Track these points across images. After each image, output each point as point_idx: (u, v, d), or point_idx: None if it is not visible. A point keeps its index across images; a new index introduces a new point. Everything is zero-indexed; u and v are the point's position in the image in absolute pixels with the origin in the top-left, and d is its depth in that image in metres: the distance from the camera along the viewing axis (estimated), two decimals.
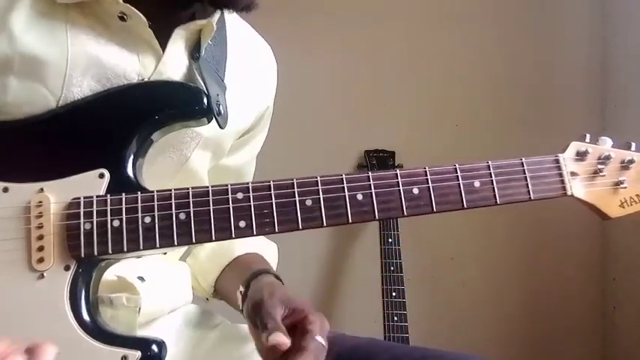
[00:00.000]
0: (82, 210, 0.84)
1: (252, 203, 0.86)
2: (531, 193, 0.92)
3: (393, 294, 2.09)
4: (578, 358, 2.54)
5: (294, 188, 0.87)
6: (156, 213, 0.84)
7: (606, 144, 0.98)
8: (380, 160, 2.38)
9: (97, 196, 0.85)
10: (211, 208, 0.85)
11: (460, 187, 0.90)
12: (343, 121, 2.47)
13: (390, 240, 2.17)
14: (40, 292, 0.82)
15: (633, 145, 0.98)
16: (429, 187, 0.89)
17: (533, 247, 2.52)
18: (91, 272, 0.85)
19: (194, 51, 1.00)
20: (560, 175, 0.95)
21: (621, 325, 2.47)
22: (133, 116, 0.90)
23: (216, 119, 0.93)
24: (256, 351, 1.08)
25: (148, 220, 0.84)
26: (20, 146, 0.89)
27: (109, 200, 0.85)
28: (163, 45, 0.97)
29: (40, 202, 0.84)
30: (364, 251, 2.40)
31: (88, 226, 0.84)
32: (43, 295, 0.82)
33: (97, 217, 0.84)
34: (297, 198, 0.86)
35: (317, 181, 0.87)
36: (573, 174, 0.95)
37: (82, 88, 0.91)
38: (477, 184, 0.91)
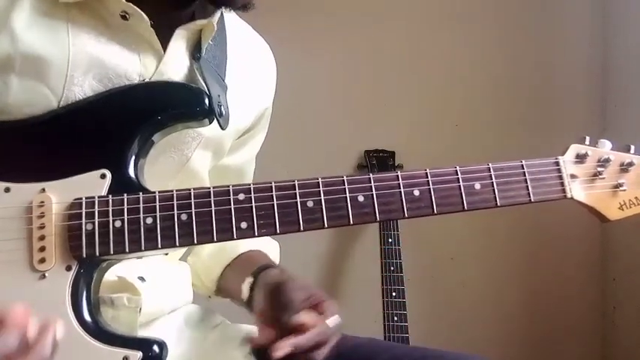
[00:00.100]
0: (83, 210, 0.84)
1: (253, 204, 0.86)
2: (531, 195, 0.93)
3: (393, 294, 2.09)
4: (578, 358, 2.54)
5: (295, 189, 0.87)
6: (158, 214, 0.84)
7: (605, 147, 0.98)
8: (380, 160, 2.37)
9: (99, 197, 0.85)
10: (213, 209, 0.85)
11: (461, 189, 0.90)
12: (343, 121, 2.46)
13: (390, 240, 2.17)
14: (42, 293, 0.82)
15: (632, 147, 0.99)
16: (429, 188, 0.90)
17: (533, 247, 2.52)
18: (92, 273, 0.86)
19: (195, 51, 1.00)
20: (560, 177, 0.95)
21: (621, 325, 2.47)
22: (135, 117, 0.90)
23: (217, 120, 0.93)
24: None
25: (149, 220, 0.84)
26: (22, 146, 0.89)
27: (110, 201, 0.85)
28: (164, 45, 0.97)
29: (42, 202, 0.84)
30: (364, 251, 2.40)
31: (89, 226, 0.84)
32: (45, 296, 0.82)
33: (98, 218, 0.84)
34: (298, 199, 0.87)
35: (318, 182, 0.88)
36: (573, 176, 0.96)
37: (84, 87, 0.92)
38: (477, 186, 0.91)
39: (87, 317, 0.84)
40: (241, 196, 0.86)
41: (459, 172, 0.91)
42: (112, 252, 0.84)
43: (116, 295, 0.97)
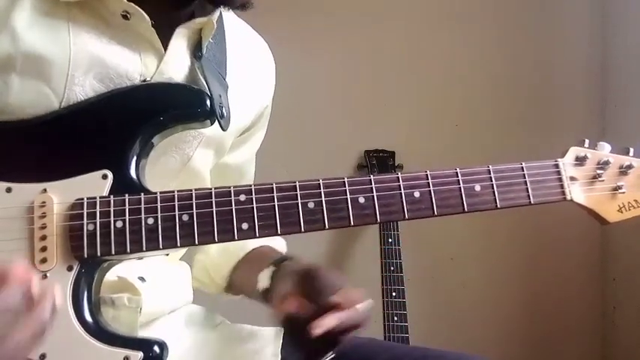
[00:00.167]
0: (85, 211, 0.84)
1: (254, 205, 0.86)
2: (531, 197, 0.93)
3: (393, 294, 2.09)
4: (578, 358, 2.54)
5: (296, 190, 0.87)
6: (159, 214, 0.85)
7: (605, 149, 0.99)
8: (380, 160, 2.37)
9: (100, 197, 0.85)
10: (214, 209, 0.85)
11: (461, 191, 0.91)
12: (343, 121, 2.46)
13: (390, 240, 2.17)
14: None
15: (632, 150, 0.99)
16: (430, 190, 0.90)
17: (533, 248, 2.52)
18: (93, 273, 0.86)
19: (196, 50, 1.00)
20: (560, 179, 0.95)
21: (621, 325, 2.47)
22: (137, 118, 0.90)
23: (219, 122, 0.93)
24: (255, 351, 1.09)
25: (151, 221, 0.84)
26: (24, 147, 0.89)
27: (112, 201, 0.85)
28: (165, 44, 0.97)
29: (44, 202, 0.84)
30: (364, 251, 2.40)
31: (91, 227, 0.84)
32: None
33: (100, 218, 0.84)
34: (299, 200, 0.87)
35: (319, 183, 0.88)
36: (572, 179, 0.96)
37: (85, 87, 0.92)
38: (477, 188, 0.91)
39: (88, 317, 0.84)
40: (242, 197, 0.86)
41: (459, 174, 0.91)
42: (113, 252, 0.84)
43: (117, 295, 0.97)
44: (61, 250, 0.83)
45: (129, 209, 0.85)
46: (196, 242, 0.85)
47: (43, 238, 0.83)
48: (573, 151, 0.98)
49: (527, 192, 0.93)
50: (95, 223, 0.84)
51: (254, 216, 0.86)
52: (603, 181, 0.97)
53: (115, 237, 0.84)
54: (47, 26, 0.91)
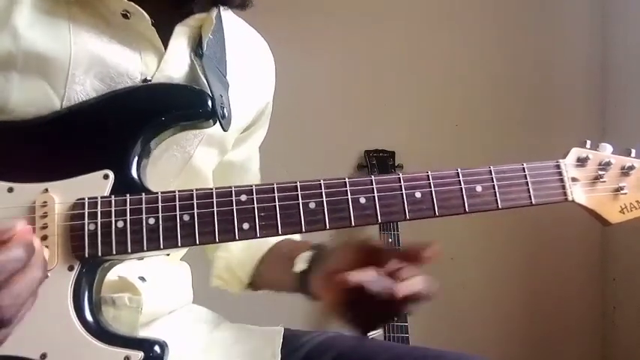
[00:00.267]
0: (86, 210, 0.84)
1: (255, 205, 0.86)
2: (533, 198, 0.93)
3: None
4: (578, 358, 2.55)
5: (297, 191, 0.87)
6: (160, 214, 0.84)
7: (606, 150, 0.99)
8: (380, 160, 2.37)
9: (102, 197, 0.85)
10: (215, 209, 0.85)
11: (462, 192, 0.91)
12: (343, 121, 2.47)
13: (390, 240, 2.17)
14: (44, 292, 0.82)
15: (633, 151, 0.99)
16: (431, 191, 0.90)
17: (533, 248, 2.52)
18: (94, 273, 0.86)
19: (197, 48, 1.00)
20: (562, 180, 0.95)
21: (621, 325, 2.48)
22: (138, 118, 0.90)
23: (220, 122, 0.94)
24: (255, 351, 1.09)
25: (152, 221, 0.84)
26: (25, 147, 0.89)
27: (113, 201, 0.85)
28: (165, 43, 0.97)
29: (45, 202, 0.84)
30: None
31: (92, 226, 0.84)
32: (47, 295, 0.82)
33: (101, 218, 0.84)
34: (300, 201, 0.87)
35: (320, 184, 0.88)
36: (574, 180, 0.96)
37: (85, 86, 0.92)
38: (478, 188, 0.91)
39: (88, 317, 0.84)
40: (243, 197, 0.86)
41: (460, 175, 0.91)
42: (114, 252, 0.84)
43: (117, 295, 0.97)
44: (62, 249, 0.83)
45: (130, 209, 0.85)
46: (197, 242, 0.84)
47: (45, 237, 0.83)
48: (575, 152, 0.98)
49: (529, 193, 0.93)
50: (96, 223, 0.84)
51: (255, 216, 0.85)
52: (605, 182, 0.97)
53: (116, 237, 0.84)
54: (48, 25, 0.91)
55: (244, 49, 1.16)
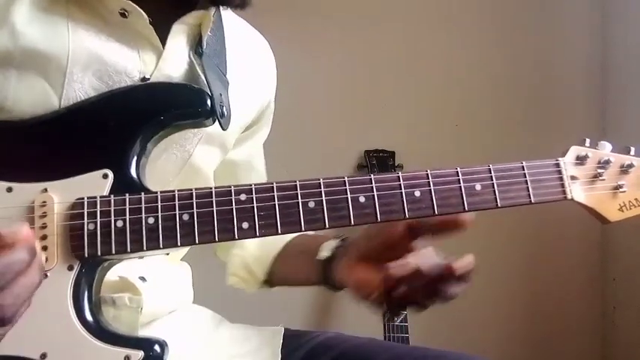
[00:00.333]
0: (85, 210, 0.84)
1: (255, 205, 0.86)
2: (532, 196, 0.93)
3: None
4: (578, 358, 2.54)
5: (296, 190, 0.87)
6: (159, 214, 0.85)
7: (605, 148, 0.99)
8: (380, 160, 2.37)
9: (101, 197, 0.85)
10: (214, 209, 0.85)
11: (461, 190, 0.91)
12: (343, 121, 2.46)
13: None
14: (44, 292, 0.82)
15: (632, 149, 0.99)
16: (430, 189, 0.90)
17: (533, 248, 2.52)
18: (94, 272, 0.86)
19: (196, 46, 1.00)
20: (561, 179, 0.95)
21: (621, 325, 2.47)
22: (137, 117, 0.90)
23: (219, 121, 0.94)
24: (255, 351, 1.09)
25: (151, 220, 0.84)
26: (24, 146, 0.89)
27: (112, 201, 0.85)
28: (164, 41, 0.98)
29: (44, 202, 0.84)
30: None
31: (91, 226, 0.84)
32: (46, 295, 0.82)
33: (100, 218, 0.84)
34: (299, 200, 0.87)
35: (319, 182, 0.88)
36: (573, 178, 0.96)
37: (84, 84, 0.92)
38: (478, 187, 0.91)
39: (88, 317, 0.84)
40: (243, 197, 0.86)
41: (459, 173, 0.91)
42: (113, 252, 0.84)
43: (117, 295, 0.97)
44: (62, 249, 0.83)
45: (129, 209, 0.85)
46: (197, 241, 0.85)
47: (44, 237, 0.83)
48: (574, 151, 0.98)
49: (528, 191, 0.93)
50: (96, 223, 0.84)
51: (254, 215, 0.85)
52: (604, 180, 0.97)
53: (115, 236, 0.84)
54: (46, 22, 0.92)
55: (245, 48, 1.16)
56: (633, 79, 2.40)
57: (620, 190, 0.97)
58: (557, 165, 0.96)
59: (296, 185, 0.87)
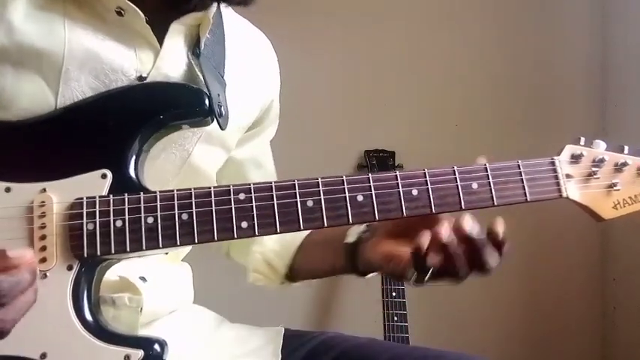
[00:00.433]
0: (84, 210, 0.85)
1: (254, 204, 0.86)
2: (527, 195, 0.93)
3: (393, 294, 2.09)
4: (578, 358, 2.54)
5: (295, 189, 0.87)
6: (159, 213, 0.85)
7: (600, 147, 0.99)
8: (380, 160, 2.37)
9: (100, 197, 0.85)
10: (213, 208, 0.86)
11: (458, 189, 0.91)
12: (343, 121, 2.46)
13: None
14: (43, 292, 0.82)
15: (626, 148, 0.99)
16: (427, 188, 0.90)
17: (533, 247, 2.52)
18: (93, 272, 0.86)
19: (194, 47, 1.00)
20: (556, 177, 0.96)
21: (621, 325, 2.47)
22: (136, 117, 0.90)
23: (217, 120, 0.94)
24: (256, 350, 1.09)
25: (150, 220, 0.84)
26: (23, 146, 0.89)
27: (111, 201, 0.85)
28: (161, 41, 0.98)
29: (43, 202, 0.84)
30: None
31: (90, 226, 0.84)
32: (46, 295, 0.82)
33: (99, 218, 0.84)
34: (298, 199, 0.87)
35: (318, 182, 0.88)
36: (568, 176, 0.96)
37: (80, 83, 0.92)
38: (474, 185, 0.92)
39: (88, 316, 0.84)
40: (242, 196, 0.86)
41: (456, 172, 0.92)
42: (113, 251, 0.84)
43: (117, 295, 0.97)
44: (61, 249, 0.84)
45: (128, 208, 0.85)
46: (196, 241, 0.85)
47: (43, 237, 0.83)
48: (569, 149, 0.98)
49: (524, 189, 0.93)
50: (95, 223, 0.84)
51: (253, 214, 0.86)
52: (598, 178, 0.97)
53: (114, 236, 0.84)
54: (43, 20, 0.92)
55: (245, 47, 1.16)
56: (633, 79, 2.40)
57: (615, 188, 0.97)
58: (553, 163, 0.96)
59: (294, 185, 0.88)
